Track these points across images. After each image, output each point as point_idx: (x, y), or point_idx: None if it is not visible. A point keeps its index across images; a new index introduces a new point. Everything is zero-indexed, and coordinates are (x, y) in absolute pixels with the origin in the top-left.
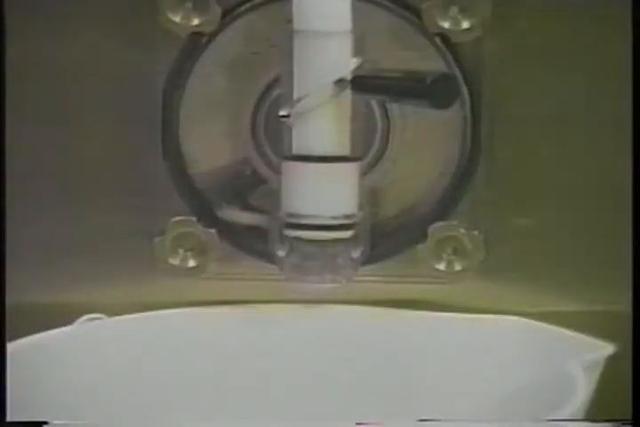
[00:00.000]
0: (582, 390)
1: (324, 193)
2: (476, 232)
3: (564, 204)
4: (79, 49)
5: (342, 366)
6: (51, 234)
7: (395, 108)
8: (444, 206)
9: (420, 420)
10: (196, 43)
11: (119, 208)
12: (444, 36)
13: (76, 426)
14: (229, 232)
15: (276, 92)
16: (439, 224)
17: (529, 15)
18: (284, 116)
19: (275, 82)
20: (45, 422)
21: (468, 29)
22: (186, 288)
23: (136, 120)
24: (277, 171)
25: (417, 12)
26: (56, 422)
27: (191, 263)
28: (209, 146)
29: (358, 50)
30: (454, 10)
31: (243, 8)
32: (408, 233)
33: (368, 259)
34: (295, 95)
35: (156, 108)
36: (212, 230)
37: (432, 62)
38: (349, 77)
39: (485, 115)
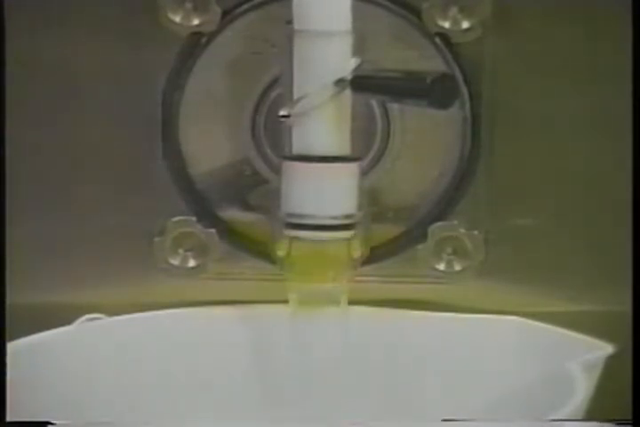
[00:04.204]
0: (582, 390)
1: (323, 193)
2: (475, 232)
3: (564, 204)
4: (79, 49)
5: (342, 366)
6: (51, 234)
7: (395, 108)
8: (444, 206)
9: (421, 420)
10: (196, 43)
11: (119, 208)
12: (444, 36)
13: (77, 426)
14: (229, 232)
15: (275, 92)
16: (439, 224)
17: (529, 15)
18: (284, 116)
19: (275, 82)
20: (46, 423)
21: (467, 29)
22: (186, 288)
23: (136, 120)
24: (277, 171)
25: (417, 12)
26: (56, 422)
27: (191, 263)
28: (209, 146)
29: (358, 50)
30: (454, 10)
31: (243, 8)
32: (408, 233)
33: (368, 259)
34: (295, 95)
35: (155, 108)
36: (212, 230)
37: (432, 62)
38: (349, 77)
39: (485, 115)
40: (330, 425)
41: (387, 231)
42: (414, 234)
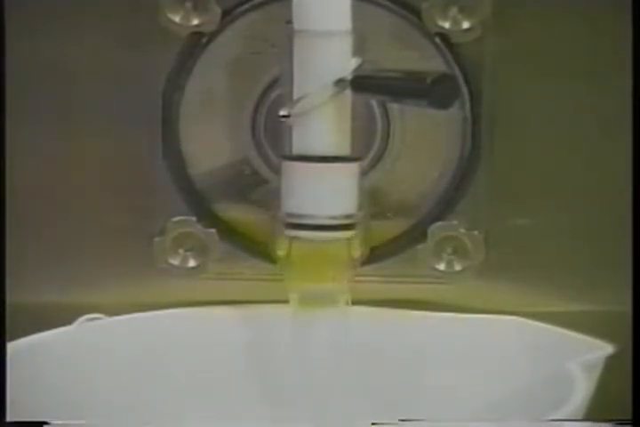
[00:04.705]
0: (582, 390)
1: (323, 193)
2: (475, 232)
3: (563, 204)
4: (79, 49)
5: (342, 366)
6: (51, 234)
7: (395, 108)
8: (444, 206)
9: (420, 420)
10: (196, 43)
11: (119, 208)
12: (444, 36)
13: (76, 426)
14: (229, 232)
15: (276, 92)
16: (439, 224)
17: (529, 15)
18: (284, 116)
19: (275, 82)
20: (45, 423)
21: (467, 29)
22: (186, 288)
23: (136, 120)
24: (277, 171)
25: (417, 12)
26: (56, 422)
27: (191, 263)
28: (209, 146)
29: (358, 50)
30: (454, 10)
31: (243, 8)
32: (408, 233)
33: (368, 259)
34: (295, 95)
35: (156, 108)
36: (212, 230)
37: (432, 62)
38: (349, 77)
39: (485, 115)
40: (330, 425)
41: (387, 231)
42: (414, 234)
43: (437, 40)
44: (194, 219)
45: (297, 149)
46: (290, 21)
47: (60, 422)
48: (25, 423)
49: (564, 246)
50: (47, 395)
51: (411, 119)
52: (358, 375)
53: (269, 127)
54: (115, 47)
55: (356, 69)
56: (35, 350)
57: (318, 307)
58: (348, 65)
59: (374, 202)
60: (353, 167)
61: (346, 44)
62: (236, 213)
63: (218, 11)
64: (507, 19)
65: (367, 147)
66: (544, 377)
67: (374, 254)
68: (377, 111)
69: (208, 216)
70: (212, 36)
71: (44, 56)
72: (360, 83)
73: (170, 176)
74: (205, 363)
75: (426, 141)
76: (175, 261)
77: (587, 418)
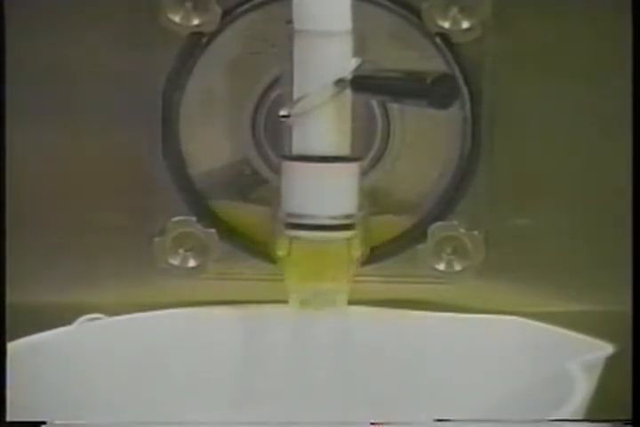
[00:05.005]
0: (582, 390)
1: (323, 193)
2: (475, 232)
3: (563, 204)
4: (79, 49)
5: (342, 366)
6: (51, 234)
7: (395, 108)
8: (444, 206)
9: (420, 420)
10: (196, 43)
11: (119, 208)
12: (444, 36)
13: (76, 426)
14: (229, 232)
15: (275, 92)
16: (439, 224)
17: (529, 15)
18: (284, 116)
19: (275, 82)
20: (45, 422)
21: (468, 29)
22: (186, 288)
23: (136, 120)
24: (277, 171)
25: (417, 12)
26: (56, 422)
27: (191, 263)
28: (209, 146)
29: (358, 50)
30: (454, 10)
31: (243, 8)
32: (408, 233)
33: (368, 259)
34: (295, 95)
35: (156, 108)
36: (212, 230)
37: (432, 62)
38: (349, 77)
39: (485, 115)
40: (329, 425)
41: (387, 231)
42: (414, 234)
43: (437, 40)
44: (194, 219)
45: (297, 149)
46: (290, 21)
47: (59, 422)
48: (25, 423)
49: (564, 246)
50: (47, 395)
51: (411, 119)
52: (358, 375)
53: (269, 127)
54: (115, 47)
55: (356, 69)
56: (35, 350)
57: (318, 307)
58: (348, 65)
59: (374, 202)
60: (353, 167)
61: (346, 44)
62: (235, 213)
63: (218, 11)
64: (507, 19)
65: (367, 147)
66: (544, 377)
67: (374, 254)
68: (377, 111)
69: (208, 216)
70: (212, 36)
71: (44, 56)
72: (360, 83)
73: (170, 176)
74: (205, 363)
75: (426, 141)
76: (175, 261)
77: (587, 418)
